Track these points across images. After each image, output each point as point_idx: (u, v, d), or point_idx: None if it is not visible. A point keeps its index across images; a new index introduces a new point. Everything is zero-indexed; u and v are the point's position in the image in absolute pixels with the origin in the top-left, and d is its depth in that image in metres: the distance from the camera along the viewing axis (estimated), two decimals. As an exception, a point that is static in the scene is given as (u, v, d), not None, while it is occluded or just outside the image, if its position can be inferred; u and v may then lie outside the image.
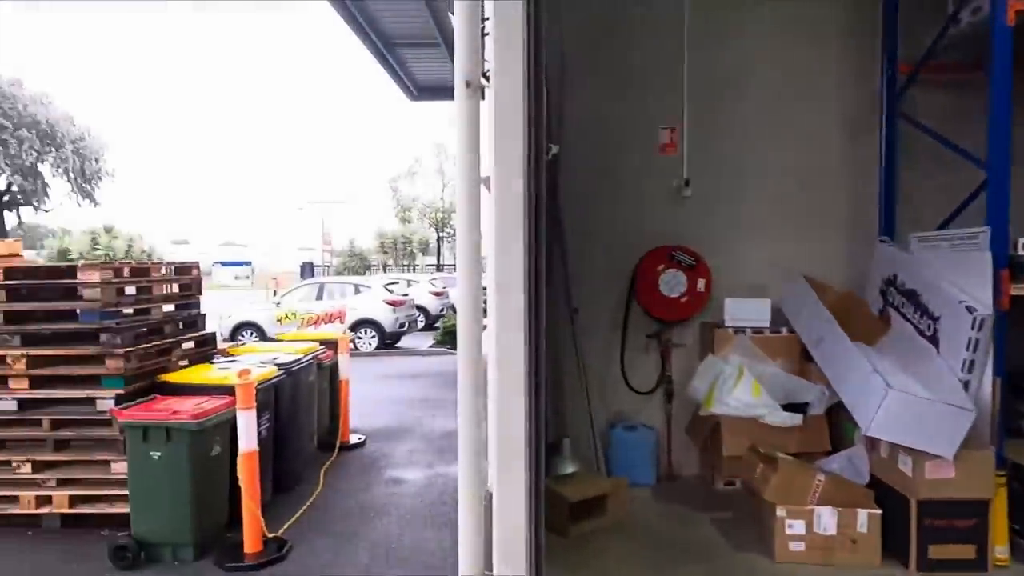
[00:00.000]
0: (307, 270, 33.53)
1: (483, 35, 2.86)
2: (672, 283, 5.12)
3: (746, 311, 4.97)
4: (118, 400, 4.38)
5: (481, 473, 2.96)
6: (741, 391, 4.51)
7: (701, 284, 5.11)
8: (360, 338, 14.13)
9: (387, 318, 14.37)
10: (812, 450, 4.45)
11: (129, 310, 4.77)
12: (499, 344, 2.79)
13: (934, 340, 4.10)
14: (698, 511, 4.61)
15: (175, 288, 5.27)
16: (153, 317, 4.89)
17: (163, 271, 5.16)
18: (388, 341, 14.51)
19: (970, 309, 3.76)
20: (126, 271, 4.70)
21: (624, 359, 5.34)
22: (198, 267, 5.55)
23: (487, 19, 2.79)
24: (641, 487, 5.04)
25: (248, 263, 48.67)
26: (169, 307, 5.19)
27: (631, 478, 5.06)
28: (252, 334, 14.02)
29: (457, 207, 2.81)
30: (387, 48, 8.57)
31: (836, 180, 5.31)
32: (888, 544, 3.79)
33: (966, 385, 3.81)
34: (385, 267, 39.39)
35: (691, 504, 4.73)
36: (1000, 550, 3.76)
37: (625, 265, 5.32)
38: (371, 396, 8.97)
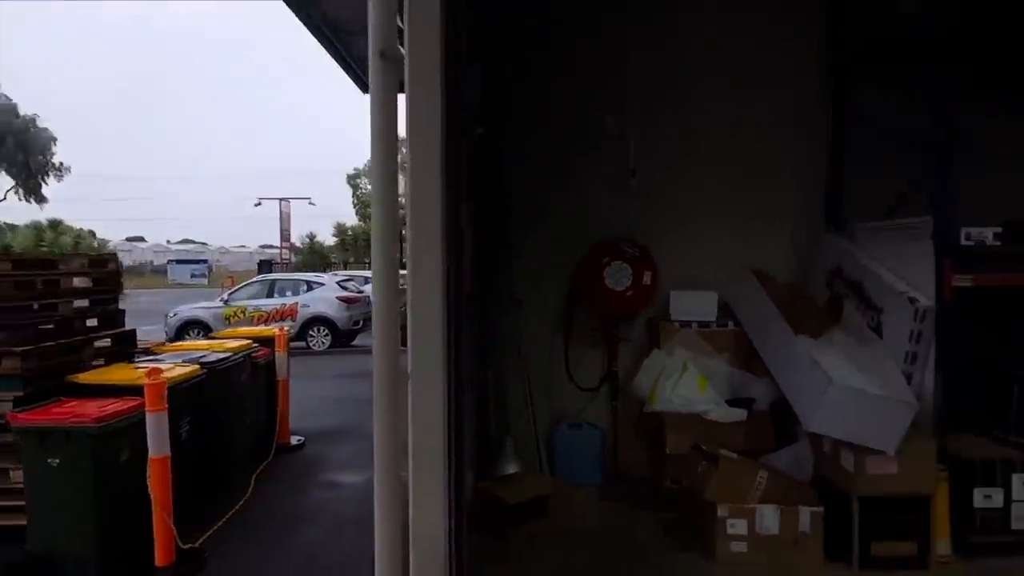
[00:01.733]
0: (265, 268, 32.77)
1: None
2: (618, 276, 4.95)
3: (692, 304, 4.83)
4: (18, 403, 4.03)
5: (399, 480, 2.74)
6: (685, 387, 4.37)
7: (647, 277, 4.96)
8: (313, 336, 13.75)
9: (340, 315, 14.01)
10: (757, 446, 4.32)
11: (35, 305, 4.42)
12: (414, 347, 2.58)
13: (878, 331, 4.02)
14: (643, 511, 4.46)
15: (88, 282, 4.91)
16: (60, 313, 4.53)
17: (74, 264, 4.79)
18: (343, 339, 14.14)
19: (912, 300, 3.67)
20: (27, 263, 4.34)
21: (569, 355, 5.16)
22: (116, 259, 5.20)
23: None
24: (587, 487, 4.87)
25: (204, 261, 47.50)
26: (82, 302, 4.83)
27: (576, 478, 4.90)
28: (199, 333, 13.52)
29: (372, 197, 2.58)
30: (335, 36, 8.25)
31: (784, 170, 5.21)
32: (831, 542, 3.68)
33: (909, 378, 3.72)
34: (346, 264, 38.78)
35: (637, 504, 4.57)
36: (942, 545, 3.68)
37: (571, 257, 5.14)
38: (318, 396, 8.66)
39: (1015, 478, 3.74)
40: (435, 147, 2.56)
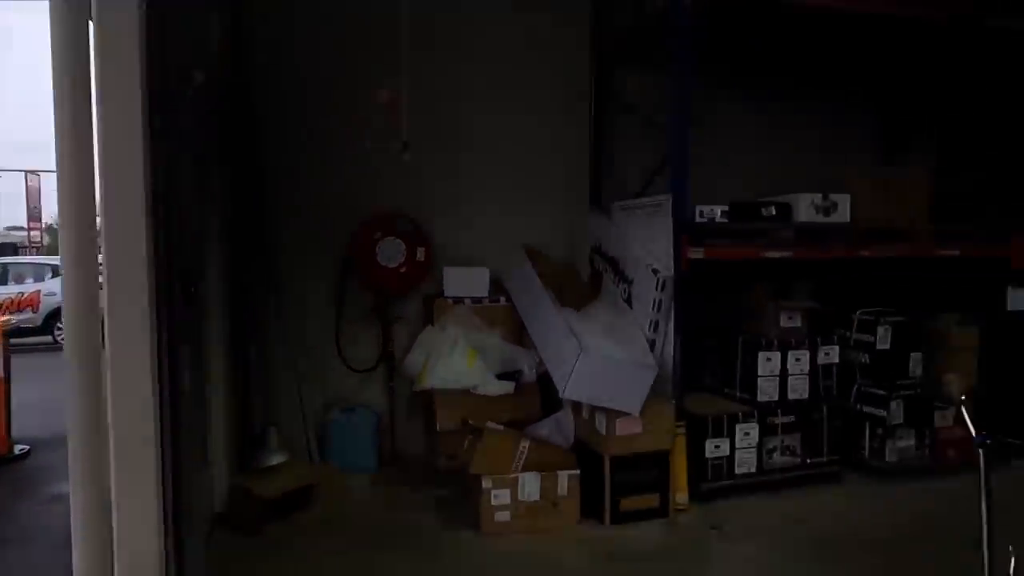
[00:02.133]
0: (9, 251, 27.75)
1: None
2: (391, 252, 4.79)
3: (465, 281, 4.82)
4: None
5: (101, 484, 2.33)
6: (456, 362, 4.35)
7: (421, 253, 4.86)
8: (61, 329, 11.86)
9: (98, 304, 12.23)
10: (525, 417, 4.43)
11: None
12: (111, 328, 2.19)
13: (630, 302, 4.30)
14: (418, 492, 4.38)
15: None
16: None
17: None
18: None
19: (654, 272, 3.96)
20: None
21: (340, 336, 4.91)
22: None
23: None
24: (361, 473, 4.68)
25: (-75, 244, 39.08)
26: None
27: (351, 464, 4.68)
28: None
29: (58, 158, 2.13)
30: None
31: (557, 150, 5.38)
32: (588, 503, 3.88)
33: (653, 344, 4.02)
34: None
35: (412, 486, 4.48)
36: (680, 495, 4.04)
37: (342, 233, 4.87)
38: (60, 397, 7.43)
39: (738, 428, 4.23)
40: (134, 83, 2.16)
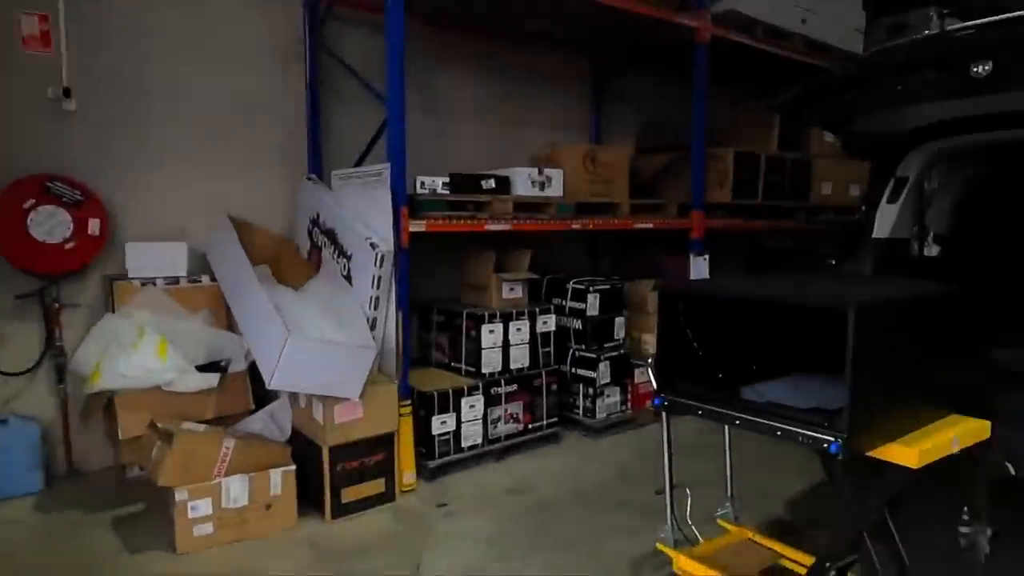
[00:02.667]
0: None
1: None
2: (50, 224, 3.86)
3: (156, 258, 4.09)
4: None
5: None
6: (143, 356, 3.65)
7: (95, 226, 3.99)
8: None
9: None
10: (233, 412, 3.92)
11: None
12: None
13: (349, 279, 4.01)
14: (99, 512, 3.64)
15: None
16: None
17: None
18: None
19: (373, 246, 3.72)
20: None
21: (-20, 331, 3.86)
22: None
23: None
24: (18, 499, 3.76)
25: None
26: None
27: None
28: None
29: None
30: None
31: (272, 112, 4.79)
32: (306, 500, 3.56)
33: (374, 322, 3.79)
34: None
35: (92, 506, 3.71)
36: (408, 476, 3.92)
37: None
38: None
39: (464, 402, 4.22)
40: None
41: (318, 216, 4.36)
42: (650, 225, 5.32)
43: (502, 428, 4.45)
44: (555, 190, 4.69)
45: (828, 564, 2.44)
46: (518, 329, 4.51)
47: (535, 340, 4.62)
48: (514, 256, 4.69)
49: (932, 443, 2.10)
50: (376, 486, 3.73)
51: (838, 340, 1.96)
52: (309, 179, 4.68)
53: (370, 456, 3.68)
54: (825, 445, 1.99)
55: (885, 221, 3.48)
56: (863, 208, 3.60)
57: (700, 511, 3.10)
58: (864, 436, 2.00)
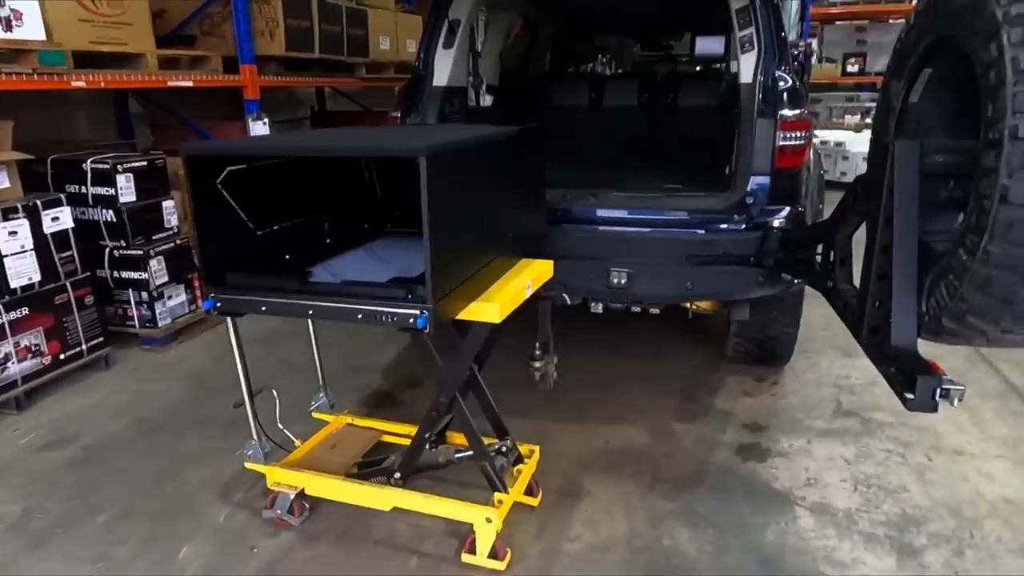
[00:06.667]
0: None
1: None
2: None
3: None
4: None
5: None
6: None
7: None
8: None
9: None
10: None
11: None
12: None
13: None
14: None
15: None
16: None
17: None
18: None
19: None
20: None
21: None
22: None
23: None
24: None
25: None
26: None
27: None
28: None
29: None
30: None
31: None
32: None
33: None
34: None
35: None
36: None
37: None
38: None
39: None
40: None
41: None
42: (189, 83, 4.32)
43: (16, 368, 3.28)
44: (32, 31, 3.33)
45: (428, 434, 2.34)
46: (12, 232, 3.25)
47: (45, 243, 3.41)
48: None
49: (510, 294, 2.03)
50: None
51: (413, 198, 1.66)
52: None
53: None
54: (411, 320, 1.73)
55: (443, 68, 3.32)
56: (421, 55, 3.37)
57: (295, 409, 2.74)
58: (447, 302, 1.81)
